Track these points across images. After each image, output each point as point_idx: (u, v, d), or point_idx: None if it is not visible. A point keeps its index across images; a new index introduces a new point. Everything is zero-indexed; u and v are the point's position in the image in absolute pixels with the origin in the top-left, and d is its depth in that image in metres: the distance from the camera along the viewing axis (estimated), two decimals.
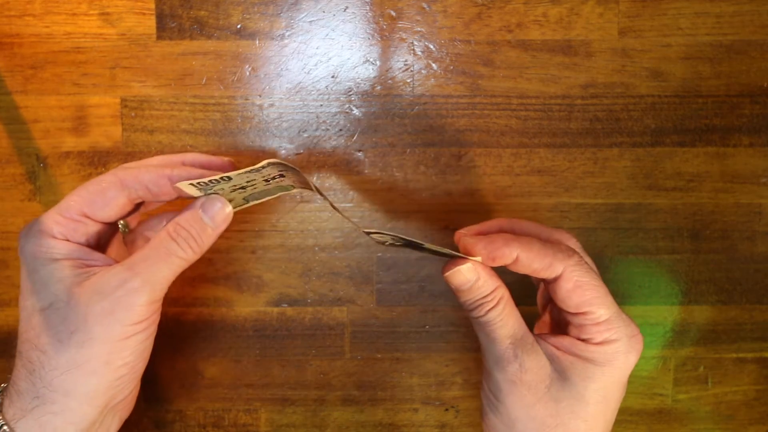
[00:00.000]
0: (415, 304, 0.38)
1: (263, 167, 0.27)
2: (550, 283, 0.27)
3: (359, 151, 0.37)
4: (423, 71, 0.36)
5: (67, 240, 0.27)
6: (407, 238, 0.28)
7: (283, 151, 0.37)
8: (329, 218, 0.37)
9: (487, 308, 0.28)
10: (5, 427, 0.26)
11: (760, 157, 0.37)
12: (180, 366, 0.38)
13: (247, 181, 0.28)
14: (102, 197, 0.27)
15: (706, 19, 0.36)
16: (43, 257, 0.26)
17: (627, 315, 0.28)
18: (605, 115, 0.37)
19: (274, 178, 0.28)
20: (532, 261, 0.26)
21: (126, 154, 0.37)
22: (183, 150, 0.37)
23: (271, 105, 0.37)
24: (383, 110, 0.37)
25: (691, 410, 0.39)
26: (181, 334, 0.38)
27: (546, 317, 0.33)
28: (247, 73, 0.36)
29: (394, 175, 0.37)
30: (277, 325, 0.38)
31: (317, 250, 0.38)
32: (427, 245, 0.27)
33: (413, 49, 0.36)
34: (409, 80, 0.37)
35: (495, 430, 0.29)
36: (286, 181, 0.29)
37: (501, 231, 0.30)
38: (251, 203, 0.30)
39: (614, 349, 0.27)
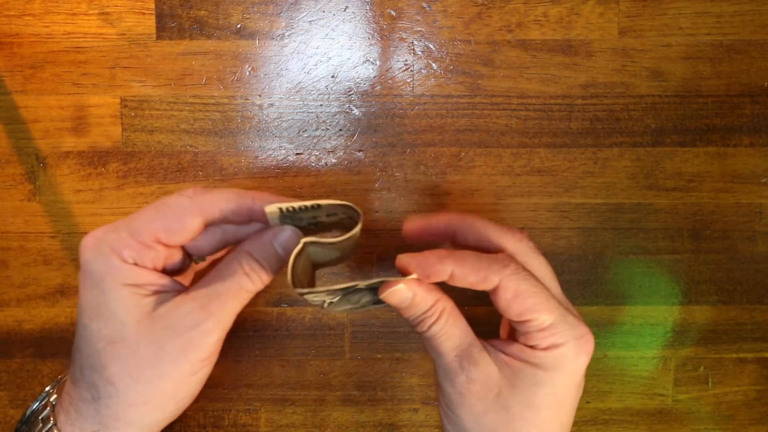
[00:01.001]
0: None
1: (350, 206, 0.26)
2: (490, 294, 0.27)
3: (359, 151, 0.37)
4: (423, 71, 0.36)
5: (136, 264, 0.26)
6: (342, 286, 0.26)
7: (283, 151, 0.37)
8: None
9: (429, 323, 0.27)
10: None
11: (760, 157, 0.37)
12: None
13: (328, 215, 0.27)
14: (179, 224, 0.26)
15: (706, 19, 0.36)
16: (111, 281, 0.26)
17: (575, 316, 0.28)
18: (605, 115, 0.37)
19: (351, 217, 0.28)
20: (467, 276, 0.26)
21: (126, 154, 0.37)
22: (183, 150, 0.37)
23: (271, 105, 0.37)
24: (383, 110, 0.37)
25: (692, 410, 0.39)
26: None
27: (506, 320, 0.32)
28: (247, 73, 0.36)
29: (394, 175, 0.37)
30: (276, 325, 0.38)
31: None
32: (363, 283, 0.27)
33: (413, 49, 0.36)
34: (409, 80, 0.37)
35: None
36: (355, 228, 0.28)
37: (447, 231, 0.29)
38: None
39: (561, 353, 0.26)
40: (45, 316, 0.38)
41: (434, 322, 0.27)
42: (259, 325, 0.38)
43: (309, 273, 0.29)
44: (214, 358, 0.28)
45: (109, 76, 0.36)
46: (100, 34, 0.36)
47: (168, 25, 0.36)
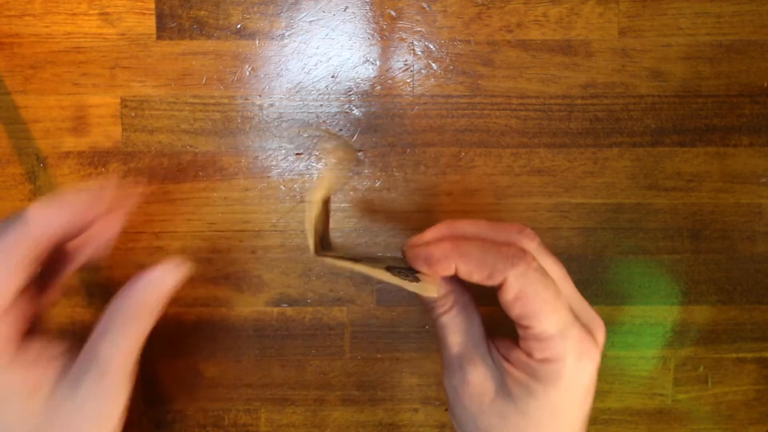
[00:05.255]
0: (415, 304, 0.38)
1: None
2: (497, 289, 0.25)
3: (359, 151, 0.37)
4: (423, 71, 0.36)
5: (6, 354, 0.22)
6: (364, 263, 0.26)
7: (283, 151, 0.37)
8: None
9: (437, 312, 0.27)
10: None
11: (760, 157, 0.37)
12: (180, 366, 0.38)
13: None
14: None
15: (706, 19, 0.36)
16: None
17: (584, 330, 0.25)
18: (605, 115, 0.37)
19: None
20: (471, 272, 0.25)
21: (126, 154, 0.37)
22: (183, 150, 0.37)
23: (271, 105, 0.37)
24: (383, 110, 0.37)
25: (691, 410, 0.39)
26: (181, 334, 0.38)
27: None
28: (247, 73, 0.36)
29: (394, 175, 0.37)
30: (277, 325, 0.38)
31: None
32: (388, 258, 0.26)
33: (413, 49, 0.36)
34: (409, 80, 0.37)
35: (454, 426, 0.29)
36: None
37: (450, 236, 0.27)
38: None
39: (556, 368, 0.25)
40: None
41: (443, 313, 0.27)
42: (259, 325, 0.38)
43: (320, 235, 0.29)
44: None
45: (110, 76, 0.36)
46: (101, 34, 0.36)
47: (168, 25, 0.36)
